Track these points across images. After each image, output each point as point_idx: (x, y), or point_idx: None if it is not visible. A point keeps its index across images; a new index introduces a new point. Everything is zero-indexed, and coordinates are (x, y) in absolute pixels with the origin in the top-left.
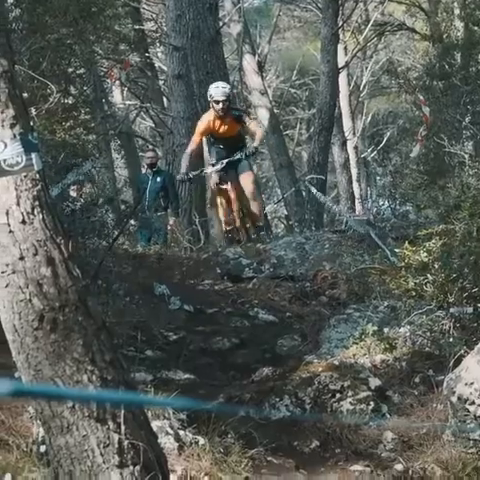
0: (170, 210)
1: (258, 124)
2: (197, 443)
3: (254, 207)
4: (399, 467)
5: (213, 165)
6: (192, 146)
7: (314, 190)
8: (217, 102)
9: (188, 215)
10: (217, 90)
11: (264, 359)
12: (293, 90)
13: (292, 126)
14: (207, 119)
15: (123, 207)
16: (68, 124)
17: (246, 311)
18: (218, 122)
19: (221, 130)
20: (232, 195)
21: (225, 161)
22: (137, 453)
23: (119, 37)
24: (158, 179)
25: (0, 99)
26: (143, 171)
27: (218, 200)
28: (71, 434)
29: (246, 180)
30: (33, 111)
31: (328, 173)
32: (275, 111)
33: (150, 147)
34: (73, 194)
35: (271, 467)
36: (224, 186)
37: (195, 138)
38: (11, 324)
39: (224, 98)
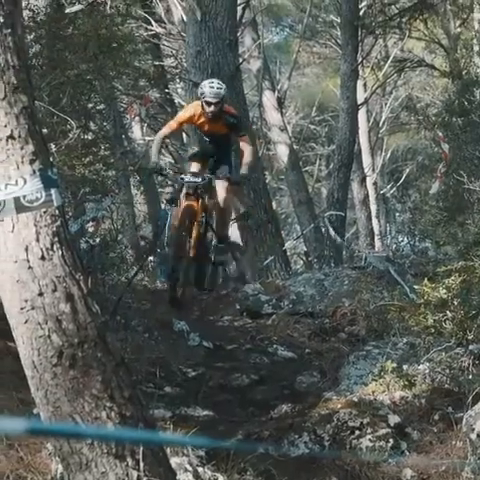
0: None
1: (250, 141)
2: None
3: (220, 215)
4: None
5: (194, 175)
6: (166, 130)
7: (332, 231)
8: (208, 103)
9: None
10: (211, 90)
11: (283, 396)
12: (312, 126)
13: (311, 162)
14: (191, 111)
15: (142, 243)
16: (88, 160)
17: (265, 347)
18: (204, 120)
19: (206, 128)
20: (198, 218)
21: (208, 177)
22: None
23: (139, 73)
24: None
25: (20, 135)
26: (162, 207)
27: (179, 215)
28: (90, 471)
29: (220, 186)
30: (53, 147)
31: (347, 209)
32: (295, 147)
33: (169, 183)
34: (91, 230)
35: None
36: (191, 202)
37: (172, 124)
38: (30, 360)
39: (217, 100)
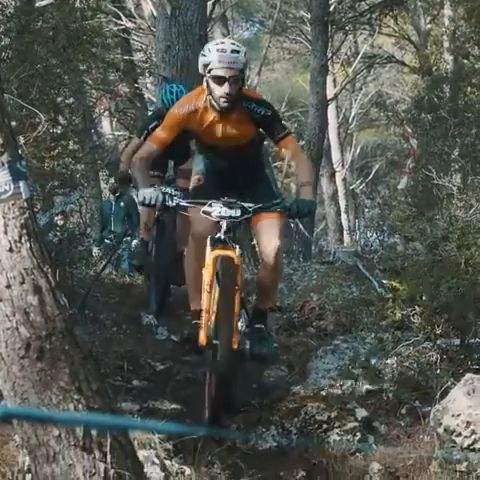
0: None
1: (298, 145)
2: (183, 473)
3: (268, 280)
4: None
5: (229, 204)
6: (150, 147)
7: (301, 226)
8: (220, 79)
9: None
10: (222, 55)
11: (251, 389)
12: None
13: (281, 158)
14: (191, 104)
15: (111, 237)
16: (56, 153)
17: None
18: (212, 118)
19: (217, 133)
20: (239, 278)
21: (251, 207)
22: None
23: (108, 67)
24: (121, 204)
25: None
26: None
27: (208, 276)
28: (57, 463)
29: (267, 227)
30: (21, 140)
31: (317, 205)
32: (264, 143)
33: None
34: (59, 223)
35: None
36: (227, 251)
37: (159, 134)
38: None
39: (234, 72)
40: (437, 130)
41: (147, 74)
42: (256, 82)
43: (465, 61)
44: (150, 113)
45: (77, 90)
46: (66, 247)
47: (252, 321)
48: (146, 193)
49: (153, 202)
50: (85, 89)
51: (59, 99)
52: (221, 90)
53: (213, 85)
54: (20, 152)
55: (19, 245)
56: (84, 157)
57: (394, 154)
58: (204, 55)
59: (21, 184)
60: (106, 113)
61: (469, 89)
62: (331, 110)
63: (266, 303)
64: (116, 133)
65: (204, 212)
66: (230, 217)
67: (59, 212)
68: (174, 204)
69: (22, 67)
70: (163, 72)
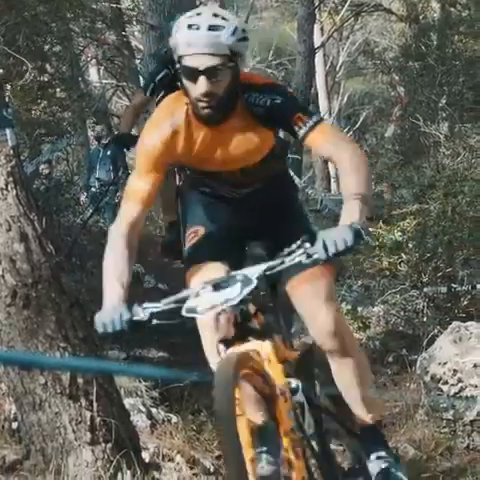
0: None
1: (337, 131)
2: (169, 421)
3: (347, 372)
4: None
5: (215, 286)
6: (132, 210)
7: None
8: (192, 73)
9: None
10: (193, 35)
11: None
12: (269, 70)
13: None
14: (163, 128)
15: (98, 185)
16: (43, 101)
17: None
18: (201, 135)
19: (211, 157)
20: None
21: (259, 274)
22: (109, 430)
23: (95, 14)
24: (108, 152)
25: None
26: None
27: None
28: (43, 411)
29: (310, 301)
30: (8, 88)
31: (304, 153)
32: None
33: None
34: (46, 171)
35: None
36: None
37: (137, 187)
38: None
39: (213, 62)
40: (424, 78)
41: (134, 22)
42: None
43: (452, 9)
44: (156, 59)
45: (64, 38)
46: (53, 195)
47: (361, 452)
48: (103, 317)
49: (109, 330)
50: (72, 37)
51: (46, 47)
52: (196, 90)
53: (186, 82)
54: (6, 100)
55: (5, 192)
56: (71, 105)
57: (381, 102)
58: (173, 36)
59: (7, 132)
60: (93, 61)
61: (456, 37)
62: (318, 58)
63: (364, 413)
64: (103, 81)
65: (188, 311)
66: (226, 301)
67: (46, 160)
68: (147, 316)
69: (9, 14)
70: (150, 20)
